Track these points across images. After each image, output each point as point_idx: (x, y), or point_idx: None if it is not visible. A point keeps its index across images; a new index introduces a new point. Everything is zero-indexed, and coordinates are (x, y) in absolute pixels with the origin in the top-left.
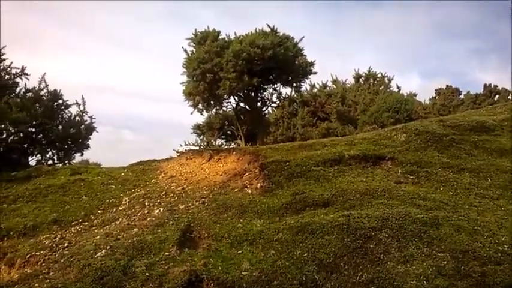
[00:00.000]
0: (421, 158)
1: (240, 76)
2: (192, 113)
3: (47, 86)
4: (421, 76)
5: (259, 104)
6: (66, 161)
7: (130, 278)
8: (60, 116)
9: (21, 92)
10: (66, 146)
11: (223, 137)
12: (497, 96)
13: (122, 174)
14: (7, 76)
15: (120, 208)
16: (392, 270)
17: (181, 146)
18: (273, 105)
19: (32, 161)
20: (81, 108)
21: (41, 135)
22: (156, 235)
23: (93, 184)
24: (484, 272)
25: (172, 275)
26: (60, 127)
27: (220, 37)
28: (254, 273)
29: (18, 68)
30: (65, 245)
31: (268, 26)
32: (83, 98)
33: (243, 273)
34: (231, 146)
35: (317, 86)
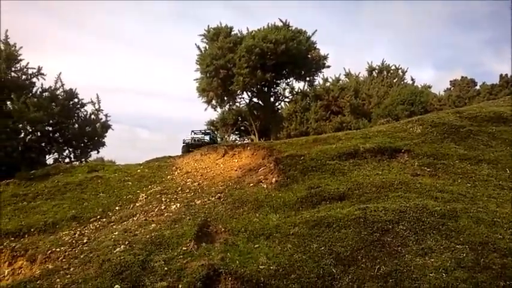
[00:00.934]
0: (438, 150)
1: (253, 71)
2: (206, 109)
3: (62, 85)
4: (435, 68)
5: (272, 99)
6: (83, 159)
7: (149, 273)
8: (76, 114)
9: (38, 92)
10: (82, 144)
11: (236, 132)
12: None
13: (138, 170)
14: (24, 76)
15: (137, 204)
16: (410, 263)
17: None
18: (286, 100)
19: (50, 159)
20: (97, 106)
21: (58, 133)
22: (173, 230)
23: (110, 181)
24: (504, 264)
25: (191, 269)
26: (76, 125)
27: (232, 33)
28: (271, 267)
29: (34, 69)
30: (84, 241)
31: (281, 21)
32: (98, 97)
33: (260, 267)
34: (245, 142)
35: (330, 79)
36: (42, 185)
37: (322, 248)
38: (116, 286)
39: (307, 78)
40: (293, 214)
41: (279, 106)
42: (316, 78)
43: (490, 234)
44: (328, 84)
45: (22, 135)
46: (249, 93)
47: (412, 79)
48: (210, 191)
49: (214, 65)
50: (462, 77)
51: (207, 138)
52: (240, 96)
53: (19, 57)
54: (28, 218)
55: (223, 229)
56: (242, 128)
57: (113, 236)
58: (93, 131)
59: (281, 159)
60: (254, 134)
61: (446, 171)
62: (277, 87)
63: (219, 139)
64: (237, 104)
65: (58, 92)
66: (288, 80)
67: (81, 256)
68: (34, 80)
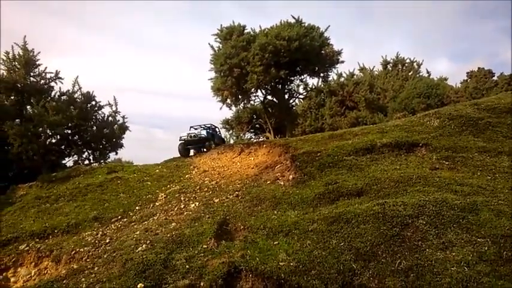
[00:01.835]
0: (456, 143)
1: (266, 69)
2: (221, 108)
3: (80, 88)
4: (451, 59)
5: (286, 96)
6: (102, 161)
7: (171, 271)
8: (94, 116)
9: (56, 96)
10: (101, 146)
11: (251, 130)
12: None
13: (157, 170)
14: (42, 81)
15: (157, 204)
16: (431, 257)
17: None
18: (300, 96)
19: (69, 161)
20: (114, 108)
21: (77, 136)
22: (193, 229)
23: (129, 181)
24: None
25: (212, 267)
26: (94, 128)
27: (245, 31)
28: (291, 264)
29: (52, 73)
30: (107, 241)
31: (293, 17)
32: (114, 99)
33: (280, 263)
34: (261, 139)
35: (344, 75)
36: (63, 187)
37: (342, 243)
38: (140, 284)
39: (321, 74)
40: (311, 211)
41: (294, 103)
42: (330, 74)
43: None
44: (342, 79)
45: (42, 138)
46: (263, 91)
47: (428, 72)
48: (228, 189)
49: (228, 64)
50: (479, 68)
51: (203, 132)
52: (254, 94)
53: (37, 62)
54: (51, 219)
55: (242, 227)
56: (257, 125)
57: (135, 236)
58: (111, 133)
59: (297, 156)
60: (269, 132)
61: (466, 164)
62: (291, 84)
63: (224, 136)
64: (252, 102)
65: (76, 95)
66: (302, 77)
67: (105, 256)
68: (52, 84)
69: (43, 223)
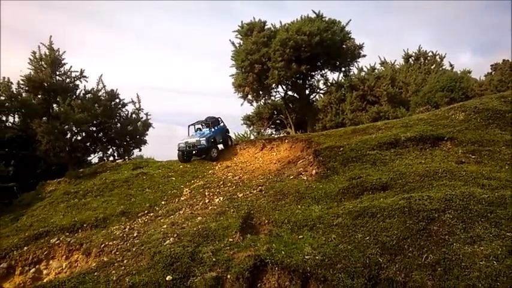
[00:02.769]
0: (483, 136)
1: (287, 64)
2: (242, 104)
3: (104, 86)
4: (474, 52)
5: (307, 91)
6: (126, 157)
7: (198, 264)
8: (118, 114)
9: (81, 94)
10: (125, 143)
11: (272, 126)
12: None
13: (181, 166)
14: (68, 80)
15: (182, 198)
16: (458, 251)
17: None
18: (321, 92)
19: (94, 158)
20: (137, 106)
21: (102, 133)
22: (219, 222)
23: (154, 177)
24: None
25: (238, 260)
26: (118, 125)
27: (266, 27)
28: (317, 257)
29: (77, 72)
30: (135, 234)
31: (314, 12)
32: (138, 96)
33: (306, 257)
34: (282, 135)
35: (365, 69)
36: (91, 183)
37: (367, 237)
38: (168, 277)
39: (343, 69)
40: (335, 205)
41: (314, 98)
42: (351, 68)
43: None
44: (363, 73)
45: (68, 135)
46: (284, 87)
47: (451, 65)
48: (251, 184)
49: (249, 60)
50: (504, 60)
51: (203, 141)
52: (275, 90)
53: (63, 61)
54: (80, 214)
55: (266, 221)
56: (278, 121)
57: (162, 229)
58: (135, 130)
59: (320, 151)
60: (290, 127)
61: (493, 158)
62: (312, 79)
63: (233, 134)
64: (272, 97)
65: (100, 93)
66: (323, 72)
67: (133, 249)
68: (77, 82)
69: (72, 217)
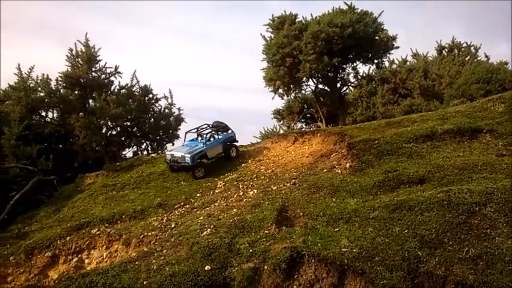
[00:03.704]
0: None
1: (319, 57)
2: (273, 98)
3: (138, 82)
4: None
5: (338, 84)
6: (159, 151)
7: (235, 254)
8: (151, 109)
9: (116, 89)
10: (158, 137)
11: (302, 120)
12: None
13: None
14: (103, 76)
15: (216, 191)
16: (501, 245)
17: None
18: (352, 85)
19: (129, 152)
20: (169, 101)
21: (136, 128)
22: (254, 214)
23: None
24: None
25: (274, 252)
26: (152, 120)
27: (297, 20)
28: (354, 250)
29: (112, 68)
30: (172, 225)
31: (346, 4)
32: (170, 92)
33: (342, 249)
34: (313, 129)
35: (396, 61)
36: (128, 176)
37: (405, 231)
38: (207, 267)
39: (375, 61)
40: (371, 198)
41: (346, 91)
42: (384, 60)
43: None
44: (394, 66)
45: (104, 130)
46: (315, 80)
47: (486, 56)
48: (284, 177)
49: (281, 53)
50: None
51: (187, 159)
52: (306, 83)
53: (98, 58)
54: (119, 205)
55: (301, 213)
56: (308, 115)
57: (199, 221)
58: (168, 124)
59: (354, 144)
60: (321, 121)
61: None
62: (343, 72)
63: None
64: (303, 91)
65: (134, 88)
66: (355, 64)
67: (172, 239)
68: (112, 78)
69: (111, 209)
